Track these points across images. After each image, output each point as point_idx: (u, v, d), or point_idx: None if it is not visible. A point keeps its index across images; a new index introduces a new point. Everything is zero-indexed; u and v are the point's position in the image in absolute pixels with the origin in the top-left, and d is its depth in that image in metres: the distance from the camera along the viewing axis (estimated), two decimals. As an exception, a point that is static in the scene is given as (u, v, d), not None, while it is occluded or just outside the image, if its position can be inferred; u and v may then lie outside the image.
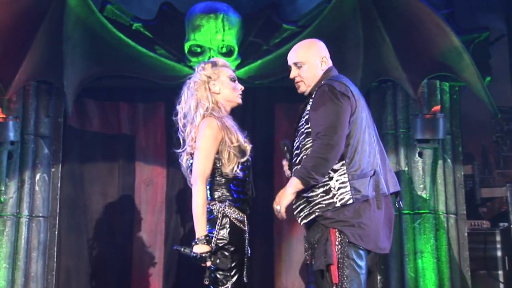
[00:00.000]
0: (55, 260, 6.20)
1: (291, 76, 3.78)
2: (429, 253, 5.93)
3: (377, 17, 5.77)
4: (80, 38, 5.96)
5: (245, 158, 3.72)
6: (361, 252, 3.50)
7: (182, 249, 3.60)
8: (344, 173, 3.49)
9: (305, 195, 3.55)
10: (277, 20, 6.34)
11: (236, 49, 6.19)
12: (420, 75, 5.91)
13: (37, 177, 6.19)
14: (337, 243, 3.45)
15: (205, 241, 3.49)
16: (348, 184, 3.48)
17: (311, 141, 3.55)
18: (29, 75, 5.93)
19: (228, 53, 6.18)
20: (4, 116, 5.95)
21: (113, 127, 6.56)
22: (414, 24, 5.73)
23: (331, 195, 3.49)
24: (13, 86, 5.81)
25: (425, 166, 6.05)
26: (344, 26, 5.94)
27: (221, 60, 3.94)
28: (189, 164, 3.75)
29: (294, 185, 3.52)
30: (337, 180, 3.49)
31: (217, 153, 3.65)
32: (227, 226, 3.60)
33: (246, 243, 3.71)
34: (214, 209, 3.63)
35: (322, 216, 3.50)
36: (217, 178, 3.67)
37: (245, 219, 3.70)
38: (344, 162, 3.50)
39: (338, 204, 3.46)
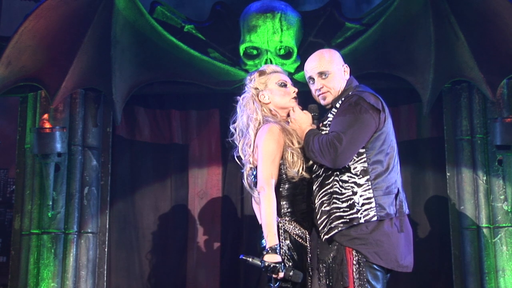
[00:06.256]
0: (105, 279, 6.10)
1: (316, 87, 3.74)
2: (513, 271, 5.76)
3: (450, 12, 5.54)
4: (129, 42, 5.89)
5: (310, 163, 3.66)
6: (378, 273, 3.47)
7: (250, 259, 3.48)
8: (369, 189, 3.49)
9: (327, 209, 3.54)
10: (339, 18, 6.17)
11: (295, 50, 6.00)
12: (498, 74, 5.65)
13: (86, 190, 6.08)
14: (354, 262, 3.45)
15: (277, 250, 3.42)
16: (373, 200, 3.48)
17: None
18: (76, 82, 5.84)
19: (286, 55, 6.03)
20: (51, 126, 5.89)
21: (165, 136, 6.46)
22: (491, 19, 5.51)
23: (355, 210, 3.49)
24: (59, 94, 5.74)
25: (505, 175, 5.77)
26: (413, 23, 5.74)
27: (270, 66, 3.93)
28: (253, 178, 3.69)
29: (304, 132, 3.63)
30: (361, 196, 3.49)
31: (281, 158, 3.60)
32: (288, 242, 3.56)
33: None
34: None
35: (339, 233, 3.49)
36: (281, 188, 3.60)
37: (307, 234, 3.63)
38: (368, 177, 3.50)
39: (362, 220, 3.47)
